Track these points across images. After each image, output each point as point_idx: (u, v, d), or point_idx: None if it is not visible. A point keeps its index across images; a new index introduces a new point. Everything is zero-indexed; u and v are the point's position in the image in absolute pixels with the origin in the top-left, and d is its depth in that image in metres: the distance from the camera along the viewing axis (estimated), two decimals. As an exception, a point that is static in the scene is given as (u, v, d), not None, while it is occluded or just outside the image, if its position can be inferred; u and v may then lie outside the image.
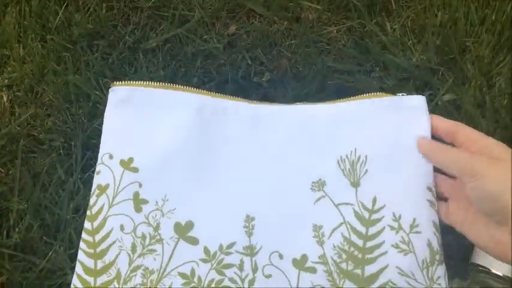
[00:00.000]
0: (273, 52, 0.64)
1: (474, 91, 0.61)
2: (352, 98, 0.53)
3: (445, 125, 0.49)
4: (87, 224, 0.47)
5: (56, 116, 0.58)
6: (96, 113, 0.58)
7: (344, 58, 0.63)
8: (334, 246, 0.47)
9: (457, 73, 0.62)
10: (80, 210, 0.53)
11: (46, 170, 0.55)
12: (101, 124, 0.56)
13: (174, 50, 0.62)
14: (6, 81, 0.61)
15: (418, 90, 0.61)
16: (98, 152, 0.54)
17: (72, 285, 0.46)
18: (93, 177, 0.53)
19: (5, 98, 0.60)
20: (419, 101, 0.51)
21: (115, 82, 0.52)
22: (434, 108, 0.60)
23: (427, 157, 0.48)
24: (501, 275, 0.51)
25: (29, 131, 0.58)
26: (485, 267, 0.52)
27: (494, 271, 0.51)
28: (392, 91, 0.60)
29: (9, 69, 0.62)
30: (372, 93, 0.52)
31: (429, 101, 0.59)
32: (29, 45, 0.62)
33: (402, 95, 0.52)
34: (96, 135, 0.57)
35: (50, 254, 0.51)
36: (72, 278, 0.49)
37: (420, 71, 0.62)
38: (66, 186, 0.54)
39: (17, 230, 0.52)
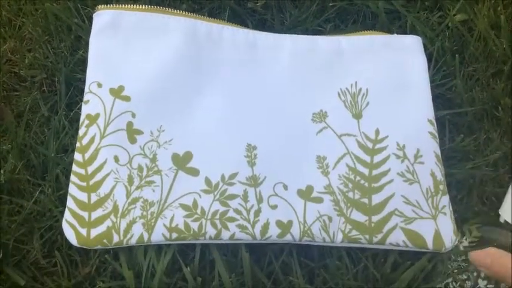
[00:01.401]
0: (269, -26, 0.58)
1: (488, 11, 0.56)
2: (350, 34, 0.53)
3: (477, 257, 0.47)
4: (77, 156, 0.45)
5: (37, 51, 0.54)
6: (79, 46, 0.54)
7: (346, -23, 0.58)
8: (340, 176, 0.47)
9: (470, -10, 0.57)
10: (68, 150, 0.50)
11: (29, 108, 0.52)
12: (84, 57, 0.52)
13: (160, -27, 0.57)
14: (-18, 14, 0.56)
15: (427, 10, 0.57)
16: (82, 88, 0.52)
17: (64, 220, 0.44)
18: (80, 114, 0.50)
19: (-19, 33, 0.56)
20: (415, 40, 0.52)
21: (99, 6, 0.48)
22: (444, 29, 0.56)
23: (483, 268, 0.45)
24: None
25: (10, 67, 0.54)
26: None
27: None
28: (400, 12, 0.56)
29: (-17, 1, 0.57)
30: (369, 31, 0.53)
31: (439, 22, 0.55)
32: (2, -26, 0.58)
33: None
34: (79, 69, 0.53)
35: (37, 195, 0.48)
36: (61, 219, 0.47)
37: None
38: (51, 125, 0.51)
39: (2, 171, 0.49)
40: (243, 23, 0.55)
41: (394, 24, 0.56)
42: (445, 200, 0.47)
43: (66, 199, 0.47)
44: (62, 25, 0.54)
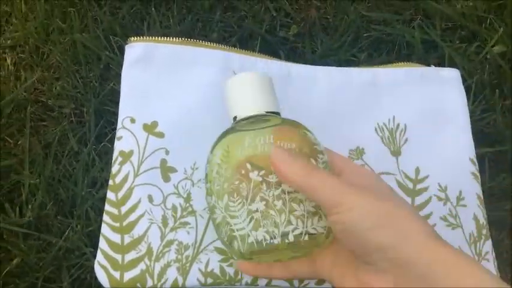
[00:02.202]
0: (300, 1, 0.57)
1: (527, 41, 0.55)
2: (385, 65, 0.51)
3: (336, 159, 0.39)
4: (110, 195, 0.43)
5: (65, 80, 0.53)
6: (108, 75, 0.53)
7: (380, 6, 0.57)
8: None
9: (508, 21, 0.55)
10: (97, 183, 0.49)
11: (57, 139, 0.51)
12: (114, 88, 0.51)
13: (189, 1, 0.56)
14: (9, 41, 0.55)
15: (464, 42, 0.55)
16: (112, 119, 0.51)
17: (96, 262, 0.42)
18: (109, 147, 0.49)
19: (8, 61, 0.55)
20: (453, 74, 0.51)
21: (131, 38, 0.47)
22: (482, 61, 0.54)
23: (280, 175, 0.34)
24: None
25: (37, 96, 0.53)
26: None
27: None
28: (436, 42, 0.54)
29: (11, 27, 0.56)
30: (406, 63, 0.51)
31: (477, 53, 0.54)
32: (31, 1, 0.57)
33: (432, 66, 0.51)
34: (109, 100, 0.52)
35: (66, 232, 0.47)
36: (91, 257, 0.46)
37: (466, 19, 0.56)
38: (80, 158, 0.50)
39: (29, 207, 0.48)
40: (274, 52, 0.54)
41: (430, 54, 0.55)
42: (488, 245, 0.45)
43: (95, 236, 0.47)
44: (91, 54, 0.53)
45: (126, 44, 0.48)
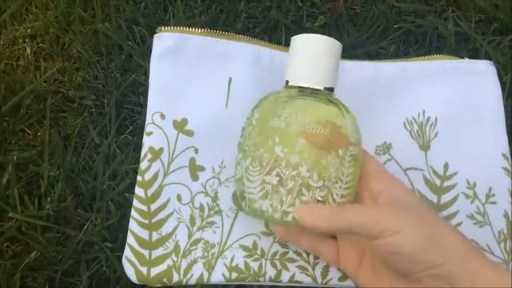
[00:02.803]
0: (327, -8, 0.55)
1: None
2: (416, 58, 0.50)
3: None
4: (139, 191, 0.43)
5: (86, 71, 0.52)
6: (130, 66, 0.52)
7: (410, -3, 0.55)
8: None
9: (545, 13, 0.53)
10: (117, 176, 0.48)
11: (78, 131, 0.50)
12: (135, 79, 0.50)
13: (214, -9, 0.55)
14: (29, 30, 0.54)
15: (498, 34, 0.53)
16: (133, 111, 0.50)
17: (124, 257, 0.43)
18: (130, 139, 0.48)
19: (28, 50, 0.54)
20: (487, 66, 0.49)
21: (160, 28, 0.47)
22: (517, 55, 0.52)
23: (315, 228, 0.35)
24: None
25: (57, 87, 0.52)
26: None
27: None
28: (468, 36, 0.52)
29: (31, 17, 0.55)
30: (437, 55, 0.50)
31: (510, 47, 0.52)
32: (52, -11, 0.56)
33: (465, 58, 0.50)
34: (130, 91, 0.51)
35: (86, 225, 0.46)
36: (110, 251, 0.46)
37: (501, 11, 0.53)
38: (100, 150, 0.49)
39: (48, 199, 0.47)
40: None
41: (461, 48, 0.53)
42: None
43: (115, 229, 0.46)
44: (112, 45, 0.52)
45: (155, 33, 0.47)
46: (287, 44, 0.48)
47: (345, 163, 0.36)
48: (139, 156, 0.47)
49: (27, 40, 0.54)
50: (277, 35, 0.53)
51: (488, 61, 0.49)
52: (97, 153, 0.49)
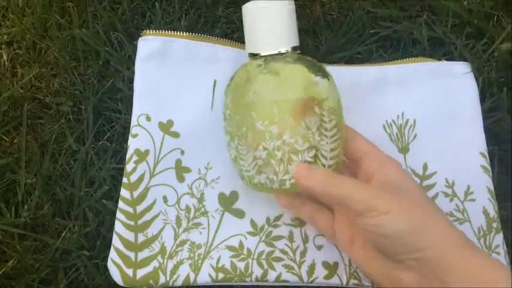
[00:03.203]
0: (304, -3, 0.56)
1: (537, 39, 0.53)
2: (394, 62, 0.51)
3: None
4: (124, 193, 0.43)
5: (63, 77, 0.52)
6: (107, 72, 0.51)
7: (385, 3, 0.55)
8: None
9: (516, 18, 0.54)
10: (95, 183, 0.48)
11: (55, 138, 0.50)
12: (113, 85, 0.50)
13: (192, -4, 0.55)
14: (6, 37, 0.54)
15: (471, 38, 0.54)
16: (111, 117, 0.50)
17: (109, 259, 0.42)
18: (108, 145, 0.48)
19: (4, 57, 0.53)
20: (464, 68, 0.50)
21: (146, 31, 0.47)
22: (490, 59, 0.53)
23: (308, 188, 0.36)
24: None
25: (34, 94, 0.52)
26: None
27: None
28: (443, 41, 0.53)
29: (7, 23, 0.55)
30: (416, 58, 0.51)
31: (484, 51, 0.53)
32: (28, -5, 0.55)
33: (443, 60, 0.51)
34: (108, 97, 0.50)
35: (63, 233, 0.46)
36: (88, 259, 0.46)
37: (473, 16, 0.54)
38: (78, 157, 0.48)
39: (26, 207, 0.47)
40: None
41: (436, 51, 0.53)
42: (499, 238, 0.44)
43: (92, 237, 0.46)
44: (90, 50, 0.52)
45: (134, 38, 0.47)
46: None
47: (324, 118, 0.37)
48: (118, 161, 0.47)
49: (3, 46, 0.54)
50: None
51: (465, 62, 0.50)
52: (74, 160, 0.49)
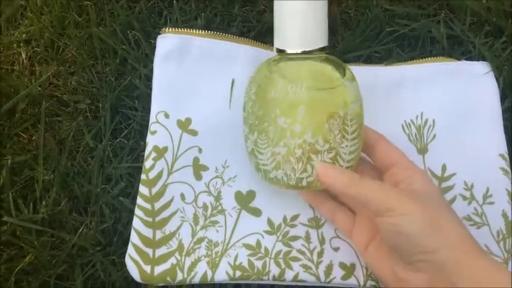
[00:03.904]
0: (321, -4, 0.56)
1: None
2: (412, 62, 0.50)
3: (368, 135, 0.41)
4: (143, 189, 0.44)
5: (80, 75, 0.52)
6: (124, 70, 0.52)
7: (403, 0, 0.55)
8: None
9: (536, 16, 0.53)
10: (111, 180, 0.48)
11: (72, 135, 0.50)
12: (130, 83, 0.50)
13: (208, -5, 0.55)
14: (24, 35, 0.54)
15: (490, 37, 0.53)
16: (128, 115, 0.50)
17: (127, 256, 0.43)
18: (125, 143, 0.49)
19: (23, 55, 0.54)
20: (484, 67, 0.49)
21: (165, 29, 0.48)
22: (509, 58, 0.52)
23: (332, 187, 0.37)
24: None
25: (52, 91, 0.52)
26: None
27: None
28: (461, 39, 0.52)
29: (26, 22, 0.55)
30: (435, 58, 0.50)
31: (503, 49, 0.52)
32: (46, -6, 0.56)
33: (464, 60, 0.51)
34: (125, 95, 0.51)
35: (80, 229, 0.46)
36: (105, 255, 0.46)
37: (492, 14, 0.54)
38: (95, 154, 0.49)
39: (43, 203, 0.47)
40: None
41: (455, 50, 0.53)
42: None
43: (109, 233, 0.46)
44: (107, 49, 0.52)
45: (152, 36, 0.48)
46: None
47: (347, 122, 0.37)
48: (134, 159, 0.47)
49: (22, 45, 0.54)
50: (271, 38, 0.53)
51: (484, 62, 0.49)
52: (92, 157, 0.49)
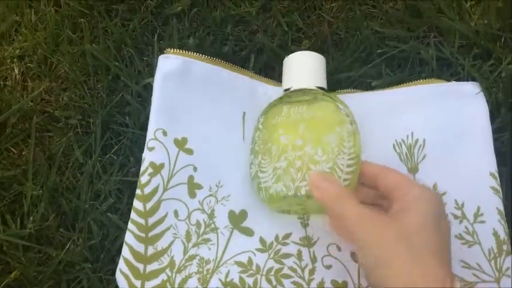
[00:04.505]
0: (312, 17, 0.57)
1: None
2: (404, 85, 0.51)
3: (370, 168, 0.42)
4: (137, 204, 0.44)
5: (72, 91, 0.53)
6: (116, 87, 0.52)
7: (393, 23, 0.56)
8: None
9: (524, 40, 0.54)
10: (101, 196, 0.48)
11: (62, 151, 0.50)
12: (121, 99, 0.51)
13: (201, 14, 0.56)
14: (18, 51, 0.55)
15: (478, 59, 0.54)
16: (119, 131, 0.50)
17: (118, 270, 0.42)
18: (115, 159, 0.48)
19: (16, 70, 0.54)
20: (474, 88, 0.49)
21: (169, 49, 0.48)
22: (497, 80, 0.53)
23: (320, 200, 0.38)
24: None
25: (43, 107, 0.53)
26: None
27: None
28: (450, 61, 0.53)
29: (20, 37, 0.56)
30: (426, 80, 0.51)
31: (491, 71, 0.53)
32: (41, 11, 0.57)
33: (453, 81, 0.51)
34: (116, 111, 0.51)
35: (68, 245, 0.46)
36: (91, 272, 0.45)
37: (480, 37, 0.55)
38: (84, 169, 0.49)
39: (31, 218, 0.47)
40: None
41: (444, 72, 0.53)
42: (509, 261, 0.43)
43: (96, 250, 0.46)
44: (100, 65, 0.53)
45: (164, 53, 0.48)
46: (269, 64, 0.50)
47: (344, 137, 0.40)
48: (124, 175, 0.47)
49: (15, 60, 0.55)
50: (263, 58, 0.54)
51: (475, 82, 0.50)
52: (81, 173, 0.49)
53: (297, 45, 0.55)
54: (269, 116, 0.44)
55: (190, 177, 0.45)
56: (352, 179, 0.40)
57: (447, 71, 0.54)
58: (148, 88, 0.51)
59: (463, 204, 0.45)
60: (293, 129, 0.41)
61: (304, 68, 0.46)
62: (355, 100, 0.48)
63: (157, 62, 0.49)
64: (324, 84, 0.46)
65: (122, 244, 0.43)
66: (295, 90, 0.45)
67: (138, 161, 0.48)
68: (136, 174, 0.48)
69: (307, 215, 0.45)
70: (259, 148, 0.43)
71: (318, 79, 0.46)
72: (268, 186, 0.41)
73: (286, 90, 0.46)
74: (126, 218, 0.46)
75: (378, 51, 0.54)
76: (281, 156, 0.40)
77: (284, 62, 0.48)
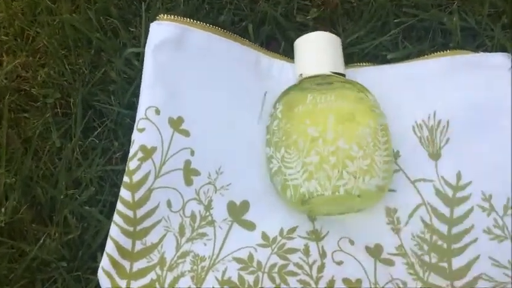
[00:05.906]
0: (321, -18, 0.51)
1: None
2: (425, 57, 0.46)
3: None
4: (125, 194, 0.39)
5: (51, 66, 0.48)
6: (99, 62, 0.47)
7: (412, -12, 0.50)
8: (413, 236, 0.40)
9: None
10: (82, 184, 0.43)
11: (39, 133, 0.45)
12: (105, 77, 0.46)
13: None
14: (-8, 23, 0.50)
15: (507, 29, 0.48)
16: (102, 111, 0.45)
17: (100, 268, 0.38)
18: (97, 143, 0.43)
19: (-11, 44, 0.49)
20: (506, 59, 0.44)
21: (162, 15, 0.43)
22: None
23: None
24: None
25: (19, 84, 0.48)
26: None
27: None
28: (475, 32, 0.48)
29: (-5, 8, 0.51)
30: (447, 51, 0.46)
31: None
32: (17, -22, 0.51)
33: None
34: (99, 90, 0.46)
35: (42, 240, 0.41)
36: (68, 271, 0.41)
37: (510, 4, 0.49)
38: (62, 155, 0.44)
39: (2, 210, 0.42)
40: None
41: (469, 44, 0.48)
42: None
43: (75, 245, 0.41)
44: (81, 37, 0.48)
45: (156, 20, 0.43)
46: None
47: (378, 131, 0.38)
48: (107, 161, 0.43)
49: (-11, 33, 0.49)
50: (265, 29, 0.49)
51: (505, 53, 0.44)
52: (59, 159, 0.44)
53: (304, 15, 0.50)
54: (290, 103, 0.40)
55: (187, 162, 0.40)
56: (388, 177, 0.38)
57: (472, 43, 0.48)
58: (135, 62, 0.46)
59: (490, 196, 0.40)
60: (322, 120, 0.37)
61: (323, 50, 0.43)
62: (367, 75, 0.44)
63: (147, 30, 0.43)
64: (343, 70, 0.43)
65: (105, 239, 0.38)
66: (316, 76, 0.41)
67: (123, 146, 0.43)
68: (121, 160, 0.43)
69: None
70: (281, 140, 0.38)
71: (339, 64, 0.43)
72: (297, 185, 0.37)
73: (302, 76, 0.42)
74: (108, 209, 0.41)
75: (395, 20, 0.49)
76: (311, 150, 0.37)
77: (296, 44, 0.44)
